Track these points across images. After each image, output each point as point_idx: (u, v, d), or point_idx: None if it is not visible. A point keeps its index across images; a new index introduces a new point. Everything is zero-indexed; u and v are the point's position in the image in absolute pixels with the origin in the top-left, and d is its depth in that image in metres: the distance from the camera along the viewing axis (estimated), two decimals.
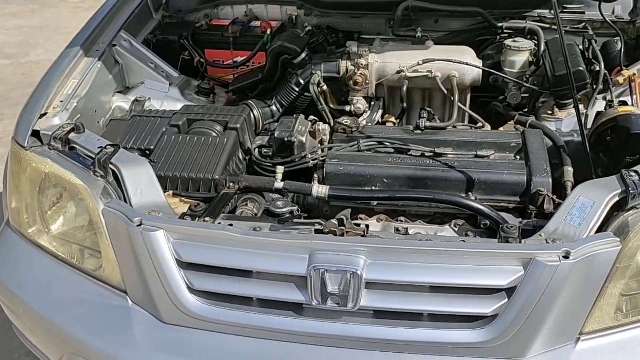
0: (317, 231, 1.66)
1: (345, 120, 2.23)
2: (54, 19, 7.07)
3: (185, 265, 1.66)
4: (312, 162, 2.08)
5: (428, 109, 2.31)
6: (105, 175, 1.82)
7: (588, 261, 1.51)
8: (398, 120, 2.41)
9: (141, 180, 1.81)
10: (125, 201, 1.77)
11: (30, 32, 6.67)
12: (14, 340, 2.29)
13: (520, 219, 1.84)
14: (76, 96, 2.14)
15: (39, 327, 1.87)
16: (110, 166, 1.83)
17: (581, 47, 2.35)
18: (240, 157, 2.17)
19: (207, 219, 1.73)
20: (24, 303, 1.85)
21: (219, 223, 1.72)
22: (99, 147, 1.87)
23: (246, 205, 1.92)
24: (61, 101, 2.09)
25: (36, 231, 1.95)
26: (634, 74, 2.20)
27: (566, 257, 1.50)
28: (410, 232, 1.83)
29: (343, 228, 1.64)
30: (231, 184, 1.92)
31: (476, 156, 2.03)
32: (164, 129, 2.16)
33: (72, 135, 1.96)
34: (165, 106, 2.40)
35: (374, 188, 1.95)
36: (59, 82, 2.14)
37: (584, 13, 2.55)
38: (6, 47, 6.28)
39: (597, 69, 2.22)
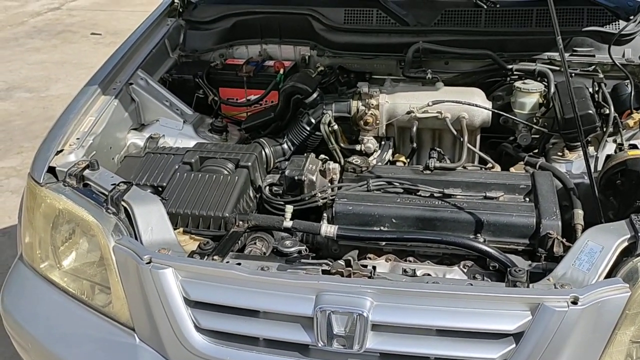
0: (324, 272, 1.66)
1: (355, 159, 2.25)
2: (75, 54, 7.26)
3: (192, 304, 1.67)
4: (321, 201, 2.10)
5: (438, 149, 2.33)
6: (117, 212, 1.85)
7: (597, 307, 1.50)
8: (408, 160, 2.43)
9: (152, 218, 1.83)
10: (136, 238, 1.80)
11: (52, 67, 6.84)
12: None
13: (530, 262, 1.83)
14: (92, 133, 2.19)
15: None
16: (122, 203, 1.86)
17: (591, 90, 2.36)
18: (251, 194, 2.20)
19: (215, 257, 1.75)
20: (33, 338, 1.87)
21: (227, 262, 1.74)
22: (111, 184, 1.91)
23: (255, 244, 1.93)
24: (77, 138, 2.14)
25: (48, 266, 1.98)
26: None
27: (574, 302, 1.49)
28: (419, 272, 1.83)
29: (350, 269, 1.64)
30: (240, 222, 1.94)
31: (485, 197, 2.03)
32: (177, 166, 2.20)
33: (86, 172, 2.00)
34: (179, 143, 2.44)
35: (382, 228, 1.96)
36: (75, 120, 2.19)
37: (593, 56, 2.57)
38: (28, 81, 6.44)
39: (607, 111, 2.23)
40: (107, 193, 1.87)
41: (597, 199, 1.77)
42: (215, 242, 1.86)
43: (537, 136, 2.41)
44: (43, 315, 1.93)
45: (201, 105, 2.70)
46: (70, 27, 8.28)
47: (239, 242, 1.96)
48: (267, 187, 2.23)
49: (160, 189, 2.12)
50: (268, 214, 2.10)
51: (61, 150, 2.08)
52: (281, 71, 2.69)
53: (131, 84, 2.48)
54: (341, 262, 1.67)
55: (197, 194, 2.06)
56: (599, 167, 2.12)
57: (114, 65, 2.48)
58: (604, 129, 2.22)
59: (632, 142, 2.20)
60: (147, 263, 1.67)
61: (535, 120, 2.37)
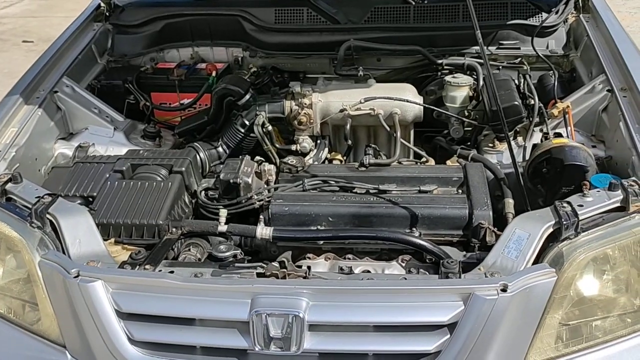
0: (259, 274, 1.64)
1: (291, 159, 2.25)
2: (5, 63, 6.97)
3: (125, 316, 1.63)
4: (258, 203, 2.08)
5: (373, 145, 2.35)
6: (42, 226, 1.78)
7: (525, 293, 1.54)
8: (345, 158, 2.44)
9: (79, 230, 1.77)
10: (64, 252, 1.73)
11: None
12: None
13: (464, 252, 1.87)
14: (15, 145, 2.11)
15: None
16: (48, 216, 1.79)
17: (517, 81, 2.42)
18: (187, 200, 2.16)
19: (147, 266, 1.70)
20: None
21: (160, 270, 1.70)
22: (36, 197, 1.84)
23: (189, 250, 1.90)
24: None
25: None
26: (568, 106, 2.28)
27: (504, 290, 1.52)
28: (357, 269, 1.83)
29: (285, 270, 1.63)
30: (174, 229, 1.90)
31: (419, 191, 2.06)
32: (107, 175, 2.14)
33: (9, 186, 1.92)
34: (110, 151, 2.38)
35: (319, 227, 1.95)
36: None
37: (519, 49, 2.64)
38: None
39: (532, 102, 2.29)
40: (30, 206, 1.80)
41: (522, 187, 1.82)
42: (148, 251, 1.82)
43: (469, 129, 2.45)
44: None
45: (133, 111, 2.64)
46: (0, 35, 7.96)
47: (175, 249, 1.92)
48: (203, 192, 2.19)
49: (90, 199, 2.06)
50: (205, 219, 2.07)
51: None
52: (213, 73, 2.65)
53: (56, 91, 2.40)
54: (275, 264, 1.65)
55: (129, 203, 2.01)
56: (527, 157, 2.18)
57: (36, 74, 2.39)
58: (531, 119, 2.28)
59: (557, 130, 2.27)
60: (75, 277, 1.62)
61: (466, 114, 2.42)
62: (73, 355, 1.70)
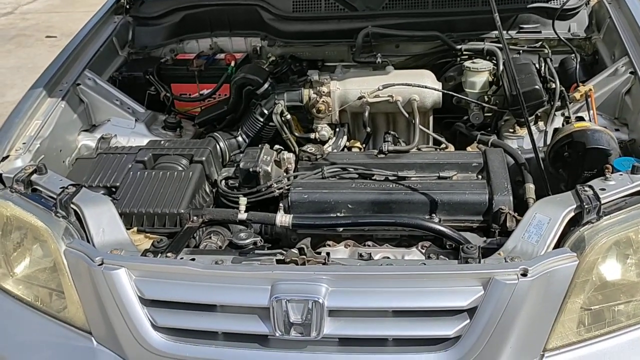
0: (279, 261, 1.66)
1: (310, 147, 2.25)
2: (30, 58, 7.09)
3: (148, 302, 1.66)
4: (277, 191, 2.09)
5: (392, 132, 2.34)
6: (67, 216, 1.82)
7: (546, 277, 1.52)
8: (364, 145, 2.43)
9: (103, 219, 1.81)
10: (88, 241, 1.77)
11: (7, 73, 6.67)
12: None
13: (485, 238, 1.86)
14: (39, 137, 2.15)
15: None
16: (72, 206, 1.83)
17: (537, 65, 2.39)
18: (207, 189, 2.18)
19: (169, 254, 1.73)
20: None
21: (181, 258, 1.72)
22: (60, 188, 1.88)
23: (210, 238, 1.92)
24: (24, 143, 2.10)
25: (0, 275, 1.93)
26: (590, 90, 2.24)
27: (524, 274, 1.51)
28: (377, 256, 1.83)
29: (304, 257, 1.64)
30: (195, 218, 1.93)
31: (439, 177, 2.05)
32: (130, 165, 2.17)
33: (34, 177, 1.96)
34: (132, 142, 2.41)
35: (338, 214, 1.96)
36: (21, 125, 2.15)
37: (540, 32, 2.61)
38: None
39: (553, 86, 2.26)
40: (55, 197, 1.84)
41: (542, 171, 1.80)
42: (170, 239, 1.84)
43: (489, 114, 2.43)
44: None
45: (154, 102, 2.67)
46: (24, 31, 8.08)
47: (196, 237, 1.95)
48: (223, 181, 2.21)
49: (113, 189, 2.09)
50: (225, 208, 2.09)
51: (7, 156, 2.04)
52: (232, 63, 2.67)
53: (79, 84, 2.43)
54: (295, 250, 1.66)
55: (151, 192, 2.04)
56: (549, 141, 2.15)
57: (59, 67, 2.43)
58: (552, 104, 2.25)
59: (579, 114, 2.24)
60: (99, 265, 1.65)
61: (486, 99, 2.39)
62: (99, 342, 1.74)
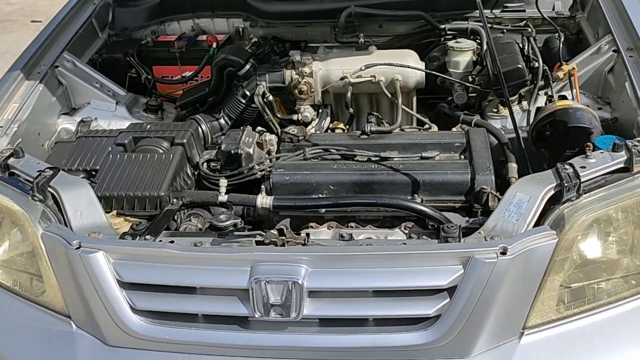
0: (258, 242, 1.65)
1: (292, 129, 2.24)
2: (15, 43, 6.98)
3: (126, 286, 1.64)
4: (259, 173, 2.07)
5: (376, 113, 2.32)
6: (44, 199, 1.79)
7: (525, 256, 1.52)
8: (347, 127, 2.42)
9: (81, 202, 1.79)
10: (66, 224, 1.75)
11: None
12: None
13: (467, 218, 1.85)
14: (17, 120, 2.12)
15: None
16: (49, 189, 1.80)
17: (521, 44, 2.37)
18: (189, 172, 2.16)
19: (147, 237, 1.71)
20: None
21: (160, 240, 1.70)
22: (37, 171, 1.85)
23: (190, 220, 1.91)
24: (0, 126, 2.07)
25: None
26: (573, 68, 2.23)
27: (503, 253, 1.50)
28: (360, 237, 1.82)
29: (283, 238, 1.63)
30: (174, 200, 1.91)
31: (421, 158, 2.04)
32: (110, 148, 2.14)
33: (11, 161, 1.93)
34: (113, 125, 2.38)
35: (320, 196, 1.95)
36: None
37: (524, 11, 2.59)
38: None
39: (537, 65, 2.24)
40: (32, 180, 1.81)
41: (522, 150, 1.79)
42: (149, 222, 1.82)
43: (474, 95, 2.41)
44: None
45: (135, 85, 2.63)
46: (9, 16, 7.96)
47: (176, 220, 1.93)
48: (205, 164, 2.19)
49: (94, 172, 2.07)
50: (207, 190, 2.07)
51: None
52: (214, 45, 2.63)
53: (57, 66, 2.40)
54: (274, 231, 1.65)
55: (132, 175, 2.02)
56: (531, 121, 2.14)
57: (37, 49, 2.39)
58: (535, 83, 2.24)
59: (562, 93, 2.22)
60: (77, 248, 1.63)
61: (470, 79, 2.38)
62: (78, 325, 1.73)
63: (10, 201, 1.80)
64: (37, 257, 1.75)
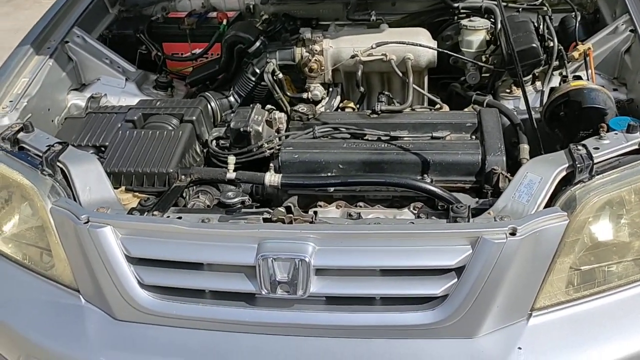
0: (265, 220, 1.64)
1: (302, 107, 2.21)
2: (27, 20, 6.93)
3: (134, 261, 1.65)
4: (268, 151, 2.06)
5: (387, 92, 2.29)
6: (53, 174, 1.80)
7: (535, 237, 1.50)
8: (358, 106, 2.39)
9: (89, 177, 1.79)
10: (74, 199, 1.75)
11: (4, 35, 6.56)
12: None
13: (477, 199, 1.83)
14: (26, 95, 2.12)
15: None
16: (58, 164, 1.81)
17: (537, 24, 2.33)
18: (198, 149, 2.15)
19: (155, 212, 1.71)
20: None
21: (168, 216, 1.70)
22: (47, 146, 1.85)
23: (198, 197, 1.90)
24: (10, 101, 2.07)
25: None
26: (589, 48, 2.19)
27: (513, 233, 1.49)
28: (369, 217, 1.81)
29: (291, 215, 1.62)
30: (182, 177, 1.90)
31: (432, 138, 2.01)
32: (119, 125, 2.14)
33: (20, 135, 1.94)
34: (122, 102, 2.38)
35: (329, 174, 1.93)
36: (7, 82, 2.12)
37: None
38: None
39: (552, 44, 2.20)
40: (41, 155, 1.81)
41: (535, 130, 1.76)
42: (157, 198, 1.82)
43: (487, 75, 2.38)
44: None
45: (145, 61, 2.62)
46: None
47: (185, 197, 1.93)
48: (214, 141, 2.18)
49: (103, 148, 2.07)
50: (216, 167, 2.06)
51: None
52: (224, 22, 2.61)
53: (67, 42, 2.39)
54: (282, 209, 1.64)
55: (140, 151, 2.02)
56: (545, 101, 2.10)
57: (46, 24, 2.38)
58: (549, 63, 2.20)
59: (577, 74, 2.19)
60: (85, 223, 1.63)
61: (484, 59, 2.34)
62: (87, 299, 1.74)
63: (20, 175, 1.81)
64: (47, 231, 1.76)
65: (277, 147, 2.04)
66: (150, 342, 1.66)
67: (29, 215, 1.87)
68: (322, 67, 2.31)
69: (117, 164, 1.97)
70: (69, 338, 1.70)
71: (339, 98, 2.36)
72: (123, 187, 1.93)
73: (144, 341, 1.66)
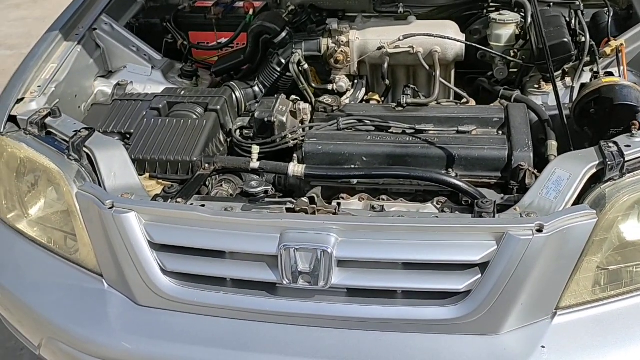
0: (288, 210, 1.64)
1: (326, 98, 2.20)
2: (55, 8, 7.01)
3: (157, 247, 1.66)
4: (292, 142, 2.05)
5: (412, 86, 2.27)
6: (80, 159, 1.82)
7: (562, 234, 1.48)
8: (383, 99, 2.37)
9: (115, 163, 1.80)
10: (99, 184, 1.77)
11: (33, 23, 6.67)
12: None
13: (502, 195, 1.81)
14: (54, 81, 2.14)
15: (18, 311, 1.87)
16: (84, 149, 1.82)
17: (568, 19, 2.28)
18: (221, 138, 2.15)
19: (179, 200, 1.72)
20: (2, 287, 1.86)
21: (191, 204, 1.71)
22: (73, 131, 1.87)
23: (221, 186, 1.91)
24: (39, 86, 2.09)
25: (15, 216, 1.96)
26: (621, 44, 2.14)
27: (539, 230, 1.46)
28: (392, 210, 1.80)
29: (314, 206, 1.62)
30: (206, 165, 1.91)
31: (458, 132, 1.99)
32: (144, 112, 2.15)
33: (48, 120, 1.96)
34: (148, 89, 2.39)
35: (353, 166, 1.92)
36: (36, 67, 2.14)
37: None
38: (9, 39, 6.29)
39: (583, 40, 2.16)
40: (68, 140, 1.83)
41: (565, 127, 1.73)
42: (181, 186, 1.83)
43: (515, 70, 2.34)
44: (12, 264, 1.92)
45: (171, 50, 2.63)
46: None
47: (208, 185, 1.93)
48: (238, 131, 2.18)
49: (128, 135, 2.09)
50: (239, 157, 2.06)
51: (22, 99, 2.04)
52: (251, 12, 2.60)
53: (95, 29, 2.41)
54: (305, 199, 1.64)
55: (165, 139, 2.03)
56: (575, 97, 2.06)
57: (75, 11, 2.40)
58: (580, 58, 2.16)
59: (608, 70, 2.14)
60: (110, 208, 1.65)
61: (512, 54, 2.30)
62: (109, 284, 1.76)
63: (47, 159, 1.83)
64: (72, 215, 1.78)
65: (301, 138, 2.03)
66: (170, 329, 1.66)
67: (54, 200, 1.90)
68: (348, 59, 2.29)
69: (142, 151, 1.98)
70: (92, 322, 1.72)
71: (364, 90, 2.34)
72: (147, 174, 1.94)
73: (164, 327, 1.67)
